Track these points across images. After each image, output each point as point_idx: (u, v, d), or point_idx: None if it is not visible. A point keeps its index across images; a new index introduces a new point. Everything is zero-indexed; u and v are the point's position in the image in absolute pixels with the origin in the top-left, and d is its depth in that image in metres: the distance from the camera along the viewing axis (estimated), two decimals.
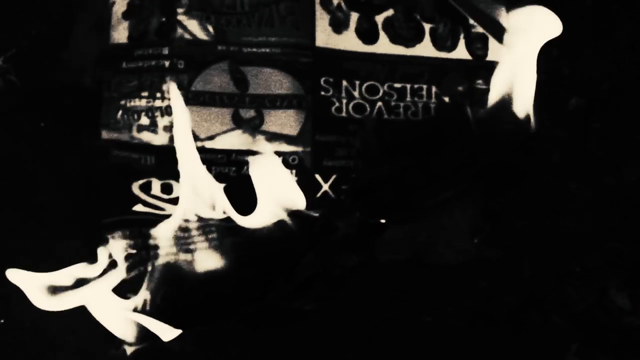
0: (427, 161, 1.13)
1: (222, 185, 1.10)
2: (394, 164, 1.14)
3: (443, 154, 1.13)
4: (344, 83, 1.20)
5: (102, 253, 1.07)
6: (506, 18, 1.18)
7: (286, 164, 1.16)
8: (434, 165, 1.12)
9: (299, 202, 1.08)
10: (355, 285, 1.13)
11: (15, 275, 1.02)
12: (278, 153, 1.16)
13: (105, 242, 1.08)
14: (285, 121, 1.17)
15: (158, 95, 1.17)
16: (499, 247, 1.16)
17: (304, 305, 1.10)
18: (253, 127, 1.17)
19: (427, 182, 1.12)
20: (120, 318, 1.06)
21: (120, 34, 1.20)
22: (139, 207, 1.15)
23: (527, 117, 1.12)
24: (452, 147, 1.13)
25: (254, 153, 1.16)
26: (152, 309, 1.05)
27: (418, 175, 1.12)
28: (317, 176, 1.16)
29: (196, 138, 1.15)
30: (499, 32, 1.23)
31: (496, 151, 1.14)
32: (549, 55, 1.18)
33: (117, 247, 1.09)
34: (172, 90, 1.10)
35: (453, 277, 1.15)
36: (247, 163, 1.15)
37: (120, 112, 1.17)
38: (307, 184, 1.15)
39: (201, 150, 1.14)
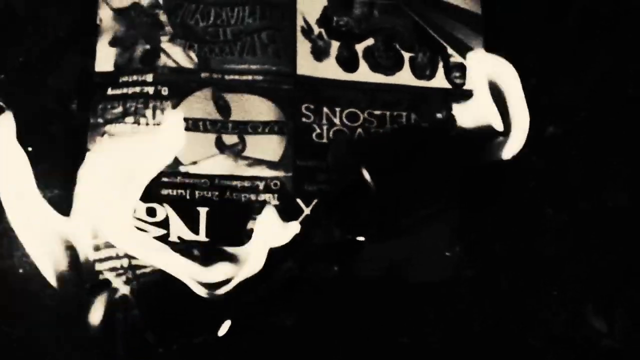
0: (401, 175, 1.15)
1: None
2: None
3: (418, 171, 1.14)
4: (325, 110, 1.22)
5: None
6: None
7: (268, 188, 1.18)
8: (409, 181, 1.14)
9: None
10: (332, 301, 1.14)
11: None
12: (260, 178, 1.18)
13: None
14: (267, 147, 1.19)
15: (142, 121, 1.19)
16: (474, 267, 1.18)
17: (282, 318, 1.12)
18: (236, 153, 1.19)
19: (402, 197, 1.13)
20: None
21: (106, 61, 1.22)
22: None
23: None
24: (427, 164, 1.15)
25: (236, 178, 1.18)
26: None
27: (392, 190, 1.13)
28: (299, 200, 1.18)
29: (179, 163, 1.18)
30: None
31: (470, 171, 1.16)
32: (526, 83, 1.20)
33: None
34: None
35: (430, 296, 1.17)
36: (229, 188, 1.17)
37: (105, 138, 1.18)
38: (288, 209, 1.17)
39: (185, 175, 1.17)
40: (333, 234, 1.11)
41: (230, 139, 1.19)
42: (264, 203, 1.17)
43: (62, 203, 1.13)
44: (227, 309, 1.07)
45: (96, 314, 1.04)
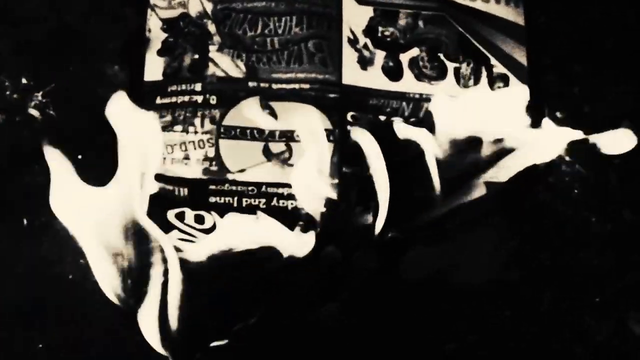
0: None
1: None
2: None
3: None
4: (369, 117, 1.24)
5: None
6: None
7: None
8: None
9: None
10: (377, 303, 1.16)
11: None
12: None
13: None
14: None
15: (191, 129, 1.20)
16: (519, 271, 1.19)
17: (324, 318, 1.13)
18: (282, 161, 1.20)
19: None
20: None
21: (155, 70, 1.23)
22: (174, 234, 1.17)
23: None
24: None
25: (283, 185, 1.19)
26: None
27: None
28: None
29: (227, 171, 1.19)
30: (519, 71, 1.27)
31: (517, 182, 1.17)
32: (569, 93, 1.21)
33: None
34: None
35: (475, 301, 1.18)
36: (276, 195, 1.19)
37: None
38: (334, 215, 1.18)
39: (232, 183, 1.18)
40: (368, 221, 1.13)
41: (277, 147, 1.20)
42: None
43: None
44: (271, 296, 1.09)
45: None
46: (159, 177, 1.19)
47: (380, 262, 1.15)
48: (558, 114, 1.25)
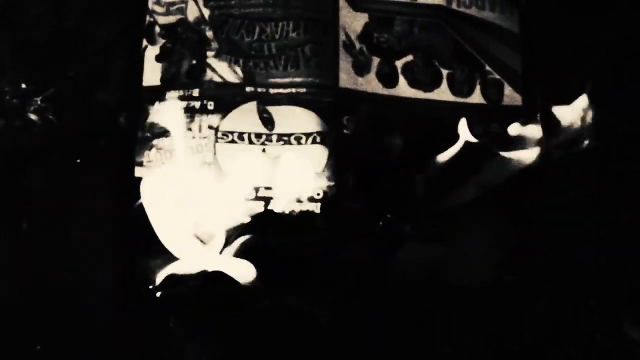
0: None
1: None
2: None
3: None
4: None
5: None
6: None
7: (311, 199, 1.20)
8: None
9: None
10: (371, 305, 1.16)
11: None
12: None
13: None
14: (310, 158, 1.21)
15: (189, 134, 1.21)
16: (515, 272, 1.19)
17: (316, 316, 1.14)
18: None
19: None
20: None
21: (153, 76, 1.24)
22: None
23: None
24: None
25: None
26: None
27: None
28: None
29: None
30: (514, 79, 1.28)
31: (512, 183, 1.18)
32: (565, 98, 1.22)
33: None
34: None
35: (471, 303, 1.18)
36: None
37: (153, 151, 1.21)
38: (332, 218, 1.19)
39: None
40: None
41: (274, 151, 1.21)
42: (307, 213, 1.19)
43: (109, 214, 1.16)
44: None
45: None
46: None
47: (373, 256, 1.16)
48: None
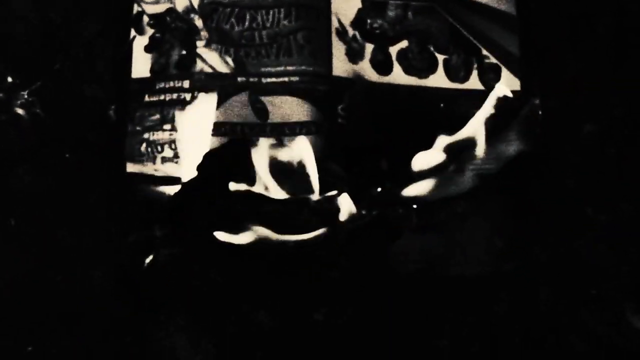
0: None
1: None
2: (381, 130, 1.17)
3: None
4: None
5: None
6: None
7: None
8: None
9: None
10: (367, 297, 1.14)
11: None
12: None
13: None
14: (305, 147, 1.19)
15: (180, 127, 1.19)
16: (514, 261, 1.18)
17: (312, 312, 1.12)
18: None
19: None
20: None
21: (142, 67, 1.22)
22: None
23: None
24: None
25: None
26: None
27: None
28: None
29: None
30: (511, 63, 1.25)
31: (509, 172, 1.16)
32: (562, 81, 1.19)
33: None
34: None
35: (469, 294, 1.16)
36: None
37: (144, 145, 1.18)
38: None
39: None
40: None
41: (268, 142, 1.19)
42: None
43: (99, 208, 1.14)
44: None
45: None
46: (150, 178, 1.17)
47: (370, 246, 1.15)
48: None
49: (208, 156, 1.16)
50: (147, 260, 1.12)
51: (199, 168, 1.15)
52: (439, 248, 1.18)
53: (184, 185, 1.16)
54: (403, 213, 1.17)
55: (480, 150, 1.18)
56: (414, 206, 1.16)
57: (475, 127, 1.19)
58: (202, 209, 1.13)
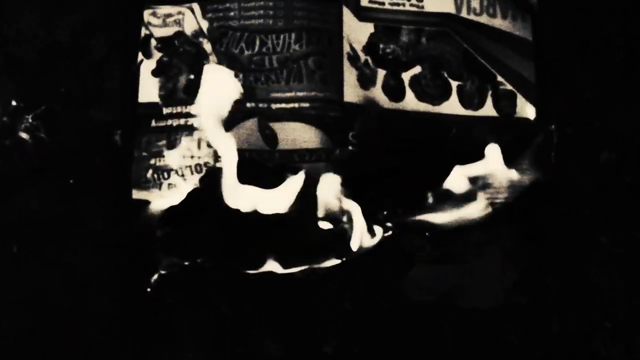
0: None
1: None
2: (393, 157, 1.15)
3: None
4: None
5: None
6: None
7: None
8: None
9: None
10: (380, 327, 1.13)
11: None
12: None
13: None
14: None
15: (187, 153, 1.17)
16: (527, 294, 1.16)
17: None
18: None
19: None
20: None
21: (149, 91, 1.20)
22: None
23: None
24: None
25: None
26: None
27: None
28: None
29: None
30: (527, 89, 1.23)
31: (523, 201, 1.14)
32: (579, 108, 1.18)
33: None
34: None
35: (481, 325, 1.15)
36: None
37: (150, 172, 1.16)
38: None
39: None
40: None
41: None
42: None
43: (103, 235, 1.13)
44: None
45: None
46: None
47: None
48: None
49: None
50: (153, 279, 1.10)
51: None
52: (453, 278, 1.16)
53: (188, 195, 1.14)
54: (416, 242, 1.15)
55: (494, 179, 1.16)
56: (427, 234, 1.14)
57: (489, 156, 1.17)
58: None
